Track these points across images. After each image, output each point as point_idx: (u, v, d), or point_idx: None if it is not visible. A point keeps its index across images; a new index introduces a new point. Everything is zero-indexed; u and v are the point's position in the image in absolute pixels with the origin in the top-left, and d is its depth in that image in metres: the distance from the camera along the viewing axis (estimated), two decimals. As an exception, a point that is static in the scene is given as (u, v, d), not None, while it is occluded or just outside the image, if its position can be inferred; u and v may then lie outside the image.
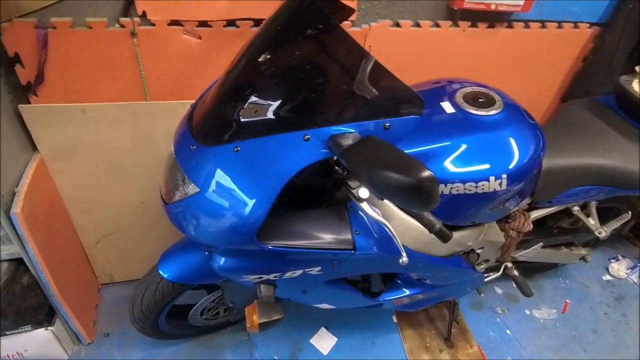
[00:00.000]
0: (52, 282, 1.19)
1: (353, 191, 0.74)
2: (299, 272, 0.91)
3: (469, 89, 1.07)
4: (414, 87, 1.12)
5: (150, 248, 1.60)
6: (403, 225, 0.96)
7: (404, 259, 0.81)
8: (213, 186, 0.76)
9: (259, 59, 0.75)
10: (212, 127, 0.80)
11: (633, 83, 1.31)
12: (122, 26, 1.14)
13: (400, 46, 1.43)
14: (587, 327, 1.68)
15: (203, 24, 1.21)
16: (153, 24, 1.17)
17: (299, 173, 0.90)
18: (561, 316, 1.72)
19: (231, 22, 1.23)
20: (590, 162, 1.21)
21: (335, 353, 1.51)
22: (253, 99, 0.75)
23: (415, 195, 0.52)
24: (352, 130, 0.70)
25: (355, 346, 1.54)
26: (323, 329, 1.58)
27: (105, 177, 1.37)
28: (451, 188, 0.94)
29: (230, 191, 0.74)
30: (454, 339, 1.57)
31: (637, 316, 1.73)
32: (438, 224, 0.81)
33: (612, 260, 1.98)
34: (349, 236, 0.88)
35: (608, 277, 1.92)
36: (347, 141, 0.66)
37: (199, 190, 0.77)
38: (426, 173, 0.52)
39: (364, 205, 0.78)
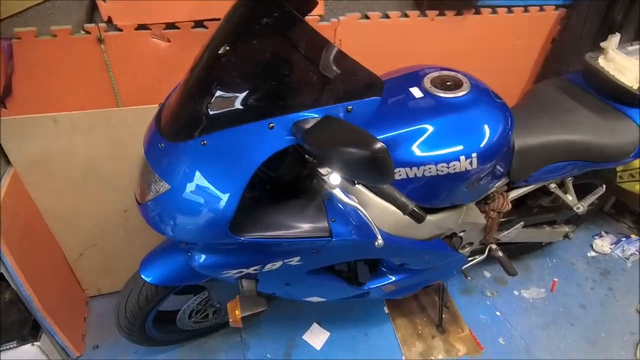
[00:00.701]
0: (35, 296, 1.18)
1: (324, 178, 0.75)
2: (279, 263, 0.92)
3: (436, 74, 1.08)
4: (383, 76, 1.14)
5: (136, 257, 1.57)
6: (380, 211, 0.97)
7: (379, 241, 0.82)
8: (183, 182, 0.76)
9: (219, 52, 0.76)
10: (179, 124, 0.80)
11: (599, 59, 1.35)
12: (88, 32, 1.14)
13: (371, 38, 1.45)
14: (575, 302, 1.71)
15: (171, 26, 1.21)
16: (120, 30, 1.17)
17: (274, 164, 0.90)
18: (550, 294, 1.74)
19: (199, 23, 1.23)
20: (562, 138, 1.23)
21: (329, 347, 1.51)
22: (217, 92, 0.76)
23: (372, 168, 0.53)
24: (316, 115, 0.70)
25: (348, 339, 1.54)
26: (315, 325, 1.58)
27: (83, 187, 1.36)
28: (424, 170, 0.95)
29: (200, 185, 0.74)
30: (445, 325, 1.58)
31: (623, 289, 1.77)
32: (411, 205, 0.82)
33: (596, 237, 2.02)
34: (325, 224, 0.88)
35: (593, 254, 1.95)
36: (309, 125, 0.67)
37: (169, 187, 0.77)
38: (378, 145, 0.52)
39: (336, 191, 0.79)
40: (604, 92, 1.32)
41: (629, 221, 2.11)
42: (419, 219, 0.82)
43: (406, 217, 0.82)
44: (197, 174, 0.74)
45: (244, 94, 0.74)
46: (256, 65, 0.76)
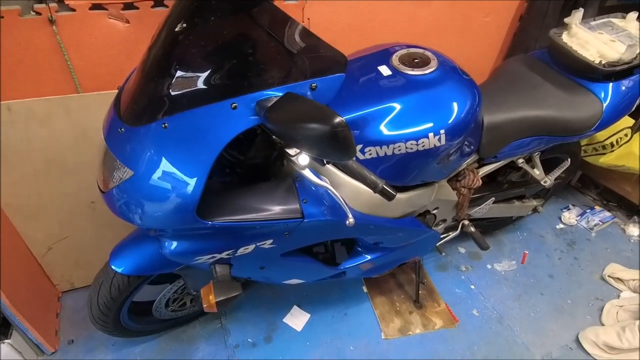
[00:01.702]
0: (2, 293, 1.13)
1: (293, 159, 0.74)
2: (252, 246, 0.91)
3: (404, 51, 1.08)
4: (352, 55, 1.13)
5: (108, 248, 1.52)
6: (352, 190, 0.97)
7: (350, 220, 0.82)
8: (146, 167, 0.73)
9: (177, 29, 0.72)
10: (138, 107, 0.77)
11: (562, 35, 1.37)
12: (38, 13, 1.07)
13: (339, 17, 1.42)
14: (544, 273, 1.78)
15: (129, 6, 1.15)
16: (73, 9, 1.10)
17: (242, 146, 0.89)
18: (520, 266, 1.81)
19: (159, 2, 1.18)
20: (529, 114, 1.26)
21: (309, 328, 1.53)
22: (177, 72, 0.73)
23: (333, 143, 0.53)
24: (279, 94, 0.69)
25: (327, 319, 1.56)
26: (295, 307, 1.59)
27: (45, 179, 1.30)
28: (394, 148, 0.95)
29: (164, 170, 0.72)
30: (422, 300, 1.62)
31: (588, 258, 1.85)
32: (381, 183, 0.82)
33: (563, 210, 2.10)
34: (296, 205, 0.88)
35: (561, 226, 2.03)
36: (269, 103, 0.66)
37: (132, 173, 0.74)
38: (337, 119, 0.52)
39: (305, 172, 0.78)
40: (567, 68, 1.35)
41: (593, 194, 2.20)
42: (389, 197, 0.83)
43: (377, 195, 0.82)
44: (160, 158, 0.72)
45: (206, 73, 0.72)
46: (217, 43, 0.73)
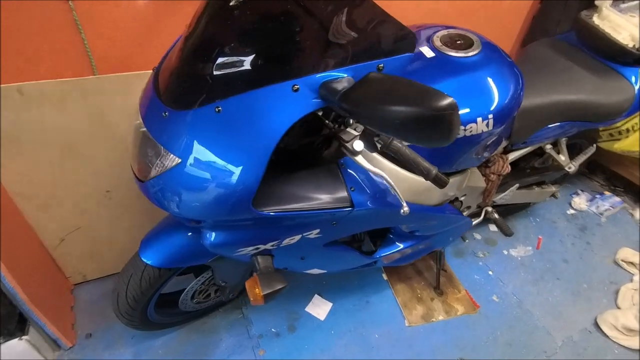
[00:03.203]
0: (19, 288, 1.08)
1: (347, 144, 0.69)
2: (298, 237, 0.87)
3: (444, 32, 1.03)
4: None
5: (122, 239, 1.50)
6: (395, 177, 0.93)
7: (405, 208, 0.79)
8: (196, 154, 0.68)
9: (231, 3, 0.66)
10: (185, 89, 0.71)
11: (593, 17, 1.34)
12: (52, -12, 0.98)
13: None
14: (559, 258, 1.80)
15: (150, -20, 1.08)
16: (91, -16, 1.02)
17: (286, 131, 0.84)
18: (536, 252, 1.82)
19: (182, -23, 1.10)
20: (561, 99, 1.24)
21: (332, 317, 1.51)
22: (229, 50, 0.67)
23: (438, 127, 0.48)
24: (344, 75, 0.64)
25: (350, 308, 1.55)
26: (317, 296, 1.57)
27: (59, 166, 1.23)
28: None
29: (217, 157, 0.67)
30: (442, 287, 1.62)
31: (600, 242, 1.88)
32: (434, 170, 0.79)
33: (573, 195, 2.11)
34: (345, 194, 0.84)
35: (572, 211, 2.05)
36: (342, 85, 0.61)
37: (180, 160, 0.69)
38: (447, 100, 0.47)
39: (359, 158, 0.74)
40: (598, 51, 1.33)
41: (601, 179, 2.22)
42: (442, 184, 0.79)
43: (419, 183, 0.79)
44: (213, 144, 0.67)
45: (263, 52, 0.66)
46: (275, 19, 0.67)
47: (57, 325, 1.27)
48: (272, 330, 1.46)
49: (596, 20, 1.33)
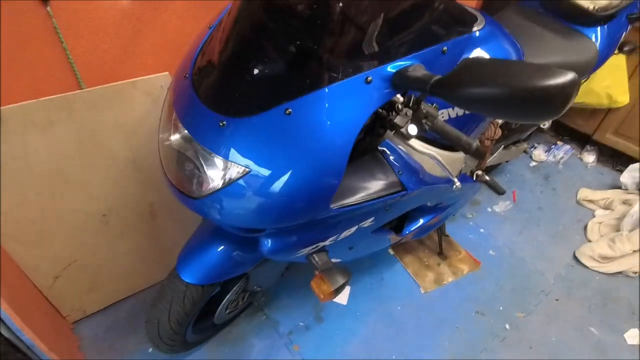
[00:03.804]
0: (37, 339, 0.95)
1: (402, 130, 0.70)
2: (354, 228, 0.87)
3: (447, 9, 1.06)
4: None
5: (122, 264, 1.38)
6: (424, 158, 0.96)
7: (457, 184, 0.82)
8: (267, 161, 0.64)
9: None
10: (245, 94, 0.66)
11: (555, -15, 1.46)
12: (27, -8, 0.84)
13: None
14: (534, 206, 2.00)
15: (133, -23, 0.97)
16: (68, -15, 0.89)
17: None
18: (514, 204, 2.00)
19: (169, -29, 1.00)
20: (539, 62, 1.34)
21: (353, 299, 1.54)
22: (294, 49, 0.63)
23: (556, 104, 0.50)
24: (411, 62, 0.64)
25: (367, 287, 1.59)
26: (334, 283, 1.58)
27: (48, 195, 1.09)
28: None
29: (293, 160, 0.64)
30: (445, 252, 1.72)
31: (562, 187, 2.11)
32: (475, 143, 0.83)
33: (532, 149, 2.33)
34: (395, 178, 0.85)
35: (534, 163, 2.27)
36: (418, 73, 0.61)
37: (248, 170, 0.65)
38: (570, 76, 0.49)
39: (413, 142, 0.76)
40: (562, 14, 1.45)
41: (551, 131, 2.48)
42: (481, 155, 0.84)
43: (447, 157, 0.82)
44: (286, 148, 0.64)
45: (330, 48, 0.63)
46: (340, 13, 0.64)
47: (75, 369, 1.15)
48: (301, 324, 1.45)
49: (558, -14, 1.45)
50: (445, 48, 0.66)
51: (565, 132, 2.44)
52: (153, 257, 1.42)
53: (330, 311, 1.50)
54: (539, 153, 2.30)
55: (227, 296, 1.11)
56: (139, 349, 1.35)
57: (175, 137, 0.74)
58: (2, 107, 0.89)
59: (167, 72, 1.13)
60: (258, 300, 1.28)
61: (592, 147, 2.31)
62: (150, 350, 1.35)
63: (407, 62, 0.64)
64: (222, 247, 0.95)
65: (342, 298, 1.55)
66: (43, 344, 0.98)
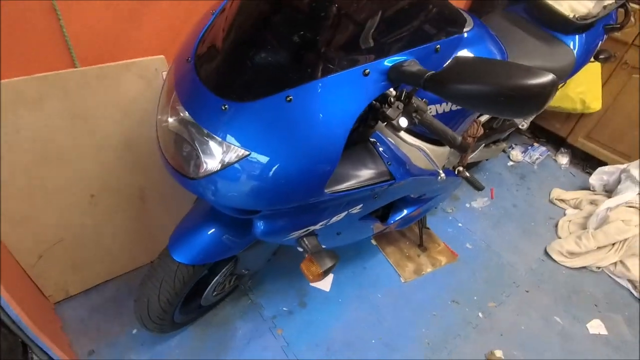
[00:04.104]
0: (23, 314, 0.96)
1: (393, 121, 0.75)
2: (344, 213, 0.92)
3: (438, 9, 1.11)
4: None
5: (108, 245, 1.38)
6: (411, 150, 1.02)
7: (442, 175, 0.87)
8: (267, 145, 0.67)
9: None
10: (249, 79, 0.69)
11: (541, -7, 1.53)
12: (26, -34, 0.84)
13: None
14: (509, 203, 2.10)
15: (133, -43, 0.97)
16: (67, -39, 0.89)
17: None
18: (491, 201, 2.09)
19: (169, -47, 1.01)
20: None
21: (336, 287, 1.60)
22: (298, 38, 0.66)
23: (536, 102, 0.55)
24: (405, 58, 0.68)
25: (350, 275, 1.65)
26: (318, 270, 1.63)
27: (36, 173, 1.08)
28: (450, 104, 1.01)
29: (292, 145, 0.67)
30: (425, 244, 1.80)
31: (537, 186, 2.22)
32: (459, 137, 0.88)
33: (510, 150, 2.44)
34: (385, 168, 0.90)
35: (511, 163, 2.38)
36: (413, 68, 0.65)
37: (248, 153, 0.68)
38: (549, 77, 0.54)
39: (403, 134, 0.81)
40: (544, 21, 1.52)
41: (527, 133, 2.59)
42: (465, 149, 0.89)
43: (432, 151, 0.87)
44: (286, 133, 0.67)
45: (330, 39, 0.67)
46: (342, 8, 0.67)
47: (61, 349, 1.15)
48: (284, 309, 1.50)
49: (543, -5, 1.53)
50: (438, 46, 0.70)
51: (541, 135, 2.56)
52: (140, 240, 1.43)
53: (314, 297, 1.55)
54: (517, 153, 2.41)
55: (216, 278, 1.14)
56: (124, 330, 1.36)
57: (174, 119, 0.76)
58: (-5, 82, 0.88)
59: (162, 56, 1.13)
60: (245, 283, 1.30)
61: (566, 150, 2.44)
62: (134, 332, 1.37)
63: (403, 58, 0.68)
64: (214, 229, 0.97)
65: (326, 285, 1.60)
66: (30, 320, 0.98)
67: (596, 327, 1.58)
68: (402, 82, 0.68)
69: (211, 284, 1.15)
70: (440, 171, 0.88)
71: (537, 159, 2.39)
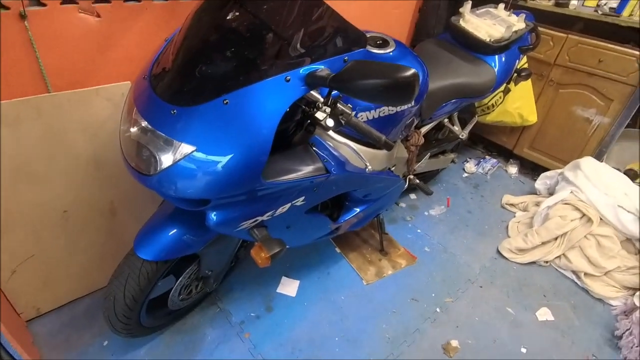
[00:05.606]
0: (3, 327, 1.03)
1: (321, 122, 0.91)
2: (288, 205, 1.05)
3: (368, 35, 1.32)
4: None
5: (80, 261, 1.46)
6: (349, 150, 1.18)
7: (370, 167, 1.03)
8: (210, 140, 0.81)
9: (228, 17, 0.82)
10: (192, 87, 0.84)
11: (460, 21, 1.79)
12: (7, 8, 1.00)
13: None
14: (464, 210, 2.26)
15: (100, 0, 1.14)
16: (44, 4, 1.05)
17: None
18: (448, 209, 2.26)
19: (132, -4, 1.19)
20: (451, 82, 1.63)
21: (302, 291, 1.69)
22: (231, 52, 0.83)
23: (404, 90, 0.72)
24: (322, 67, 0.86)
25: (315, 280, 1.75)
26: (284, 277, 1.73)
27: (11, 191, 1.19)
28: (379, 112, 1.19)
29: (231, 139, 0.81)
30: (386, 249, 1.92)
31: (489, 194, 2.41)
32: (383, 137, 1.05)
33: (464, 163, 2.65)
34: (321, 164, 1.05)
35: (466, 174, 2.57)
36: (323, 73, 0.82)
37: (195, 148, 0.82)
38: (411, 71, 0.72)
39: (331, 132, 0.96)
40: (467, 45, 1.77)
41: (481, 147, 2.83)
42: (389, 147, 1.06)
43: (368, 153, 1.03)
44: (225, 129, 0.81)
45: (260, 52, 0.83)
46: (265, 25, 0.85)
47: None
48: (252, 314, 1.58)
49: (462, 23, 1.78)
50: (346, 58, 0.88)
51: (492, 148, 2.80)
52: (111, 255, 1.50)
53: (280, 302, 1.64)
54: (470, 166, 2.62)
55: (179, 279, 1.23)
56: (95, 342, 1.41)
57: (134, 129, 0.90)
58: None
59: (128, 82, 1.29)
60: (210, 286, 1.39)
61: (514, 161, 2.66)
62: (105, 343, 1.42)
63: (317, 67, 0.85)
64: (175, 229, 1.09)
65: (292, 290, 1.69)
66: (10, 334, 1.05)
67: (544, 314, 1.71)
68: (316, 85, 0.84)
69: (175, 285, 1.24)
70: (368, 164, 1.03)
71: (489, 170, 2.60)
